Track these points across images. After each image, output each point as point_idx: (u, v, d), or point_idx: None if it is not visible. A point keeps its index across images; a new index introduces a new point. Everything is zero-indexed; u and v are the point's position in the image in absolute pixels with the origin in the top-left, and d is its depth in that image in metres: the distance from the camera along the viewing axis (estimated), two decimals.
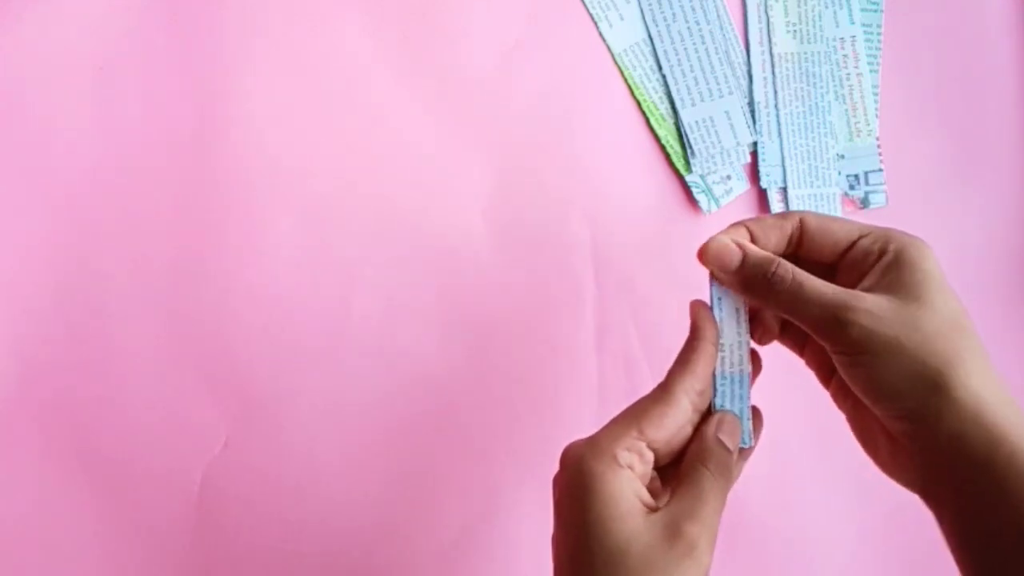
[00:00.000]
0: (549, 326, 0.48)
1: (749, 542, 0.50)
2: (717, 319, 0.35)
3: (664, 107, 0.51)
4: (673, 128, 0.51)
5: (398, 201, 0.47)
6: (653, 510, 0.31)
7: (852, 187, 0.52)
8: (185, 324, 0.44)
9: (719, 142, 0.50)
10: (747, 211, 0.52)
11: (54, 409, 0.43)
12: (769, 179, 0.51)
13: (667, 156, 0.51)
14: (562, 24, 0.50)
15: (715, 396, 0.34)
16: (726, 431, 0.33)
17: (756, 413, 0.36)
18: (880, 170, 0.52)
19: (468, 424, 0.47)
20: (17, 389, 0.42)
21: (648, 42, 0.51)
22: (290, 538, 0.45)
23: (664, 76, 0.50)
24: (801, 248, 0.35)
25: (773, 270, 0.33)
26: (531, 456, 0.46)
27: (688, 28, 0.51)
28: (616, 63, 0.50)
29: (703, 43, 0.51)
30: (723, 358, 0.35)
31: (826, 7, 0.52)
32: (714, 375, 0.34)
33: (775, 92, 0.51)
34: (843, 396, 0.35)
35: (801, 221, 0.35)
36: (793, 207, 0.51)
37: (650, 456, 0.32)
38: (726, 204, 0.51)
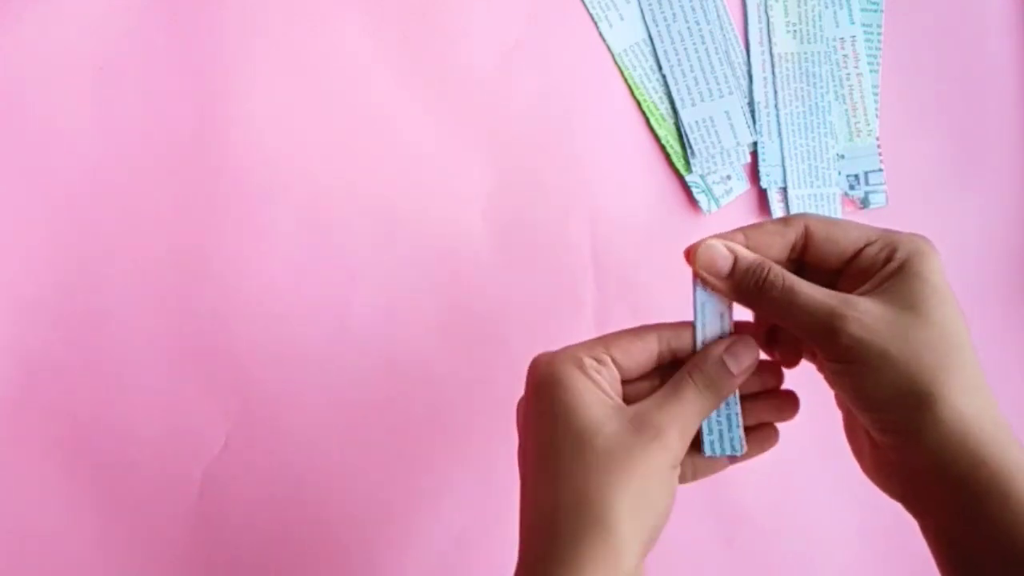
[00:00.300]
0: (549, 326, 0.48)
1: (749, 542, 0.50)
2: (699, 325, 0.34)
3: (664, 107, 0.51)
4: (673, 128, 0.51)
5: (398, 201, 0.47)
6: (621, 405, 0.32)
7: (852, 187, 0.52)
8: (185, 324, 0.44)
9: (719, 142, 0.50)
10: (747, 211, 0.52)
11: (54, 409, 0.43)
12: (769, 179, 0.51)
13: (667, 156, 0.51)
14: (562, 24, 0.50)
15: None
16: (734, 352, 0.33)
17: (772, 429, 0.36)
18: (880, 170, 0.52)
19: (468, 424, 0.47)
20: (17, 389, 0.42)
21: (648, 42, 0.51)
22: (290, 538, 0.45)
23: (664, 76, 0.50)
24: (806, 255, 0.34)
25: (764, 275, 0.32)
26: None
27: (688, 28, 0.51)
28: (616, 63, 0.50)
29: (703, 43, 0.51)
30: None
31: (826, 7, 0.52)
32: None
33: (775, 92, 0.51)
34: (840, 397, 0.35)
35: (806, 228, 0.34)
36: (793, 207, 0.51)
37: (615, 372, 0.33)
38: (726, 204, 0.51)
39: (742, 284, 0.33)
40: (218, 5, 0.45)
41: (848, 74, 0.52)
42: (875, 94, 0.53)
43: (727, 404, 0.34)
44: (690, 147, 0.50)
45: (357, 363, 0.46)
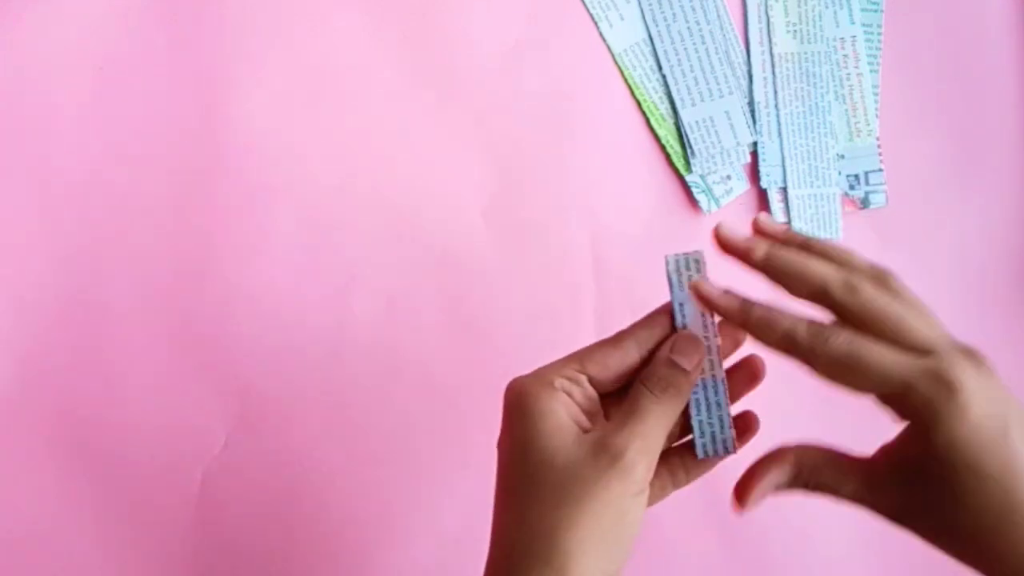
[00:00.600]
0: (549, 326, 0.48)
1: (749, 542, 0.50)
2: (679, 325, 0.33)
3: (664, 107, 0.51)
4: (673, 128, 0.51)
5: (398, 201, 0.47)
6: (587, 430, 0.31)
7: (852, 187, 0.52)
8: (185, 324, 0.44)
9: (719, 142, 0.50)
10: (747, 211, 0.52)
11: (54, 409, 0.43)
12: (769, 179, 0.51)
13: (667, 156, 0.51)
14: (562, 24, 0.50)
15: (690, 405, 0.33)
16: (680, 350, 0.32)
17: (751, 419, 0.35)
18: (880, 170, 0.52)
19: (468, 423, 0.47)
20: (17, 389, 0.42)
21: (648, 42, 0.51)
22: (290, 538, 0.45)
23: (664, 76, 0.50)
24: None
25: (800, 483, 0.32)
26: None
27: (688, 28, 0.51)
28: (616, 63, 0.50)
29: (703, 43, 0.51)
30: None
31: (826, 7, 0.52)
32: None
33: (775, 92, 0.51)
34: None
35: (813, 367, 0.31)
36: (793, 207, 0.51)
37: (591, 391, 0.32)
38: (726, 204, 0.51)
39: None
40: (218, 5, 0.45)
41: (848, 74, 0.52)
42: (875, 94, 0.53)
43: (717, 405, 0.33)
44: (690, 147, 0.50)
45: (357, 363, 0.46)
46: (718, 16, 0.51)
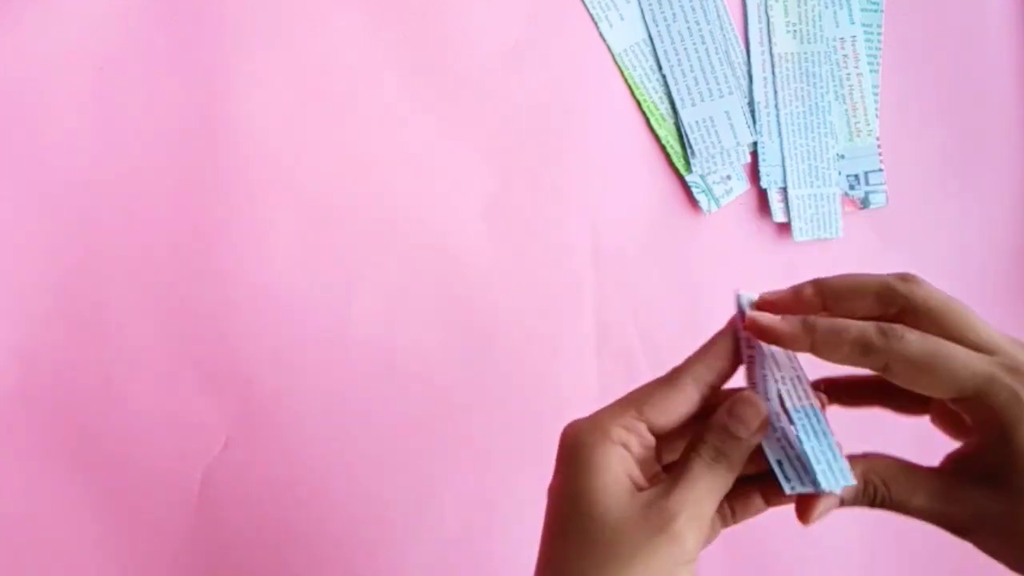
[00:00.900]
0: (549, 326, 0.48)
1: (749, 542, 0.50)
2: (766, 355, 0.31)
3: (664, 107, 0.51)
4: (673, 128, 0.51)
5: (398, 201, 0.47)
6: (642, 488, 0.30)
7: (852, 187, 0.52)
8: (185, 324, 0.44)
9: (719, 142, 0.50)
10: (747, 211, 0.52)
11: (54, 409, 0.43)
12: (769, 179, 0.51)
13: (667, 156, 0.51)
14: (562, 24, 0.50)
15: (797, 432, 0.30)
16: (737, 414, 0.30)
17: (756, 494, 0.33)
18: (880, 170, 0.52)
19: (468, 424, 0.47)
20: (17, 388, 0.42)
21: (648, 42, 0.51)
22: (290, 538, 0.45)
23: (664, 76, 0.50)
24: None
25: (869, 494, 0.30)
26: (531, 456, 0.46)
27: (688, 28, 0.51)
28: (616, 63, 0.50)
29: (703, 43, 0.51)
30: (788, 392, 0.31)
31: (826, 7, 0.52)
32: (786, 409, 0.31)
33: (775, 92, 0.51)
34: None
35: (887, 366, 0.29)
36: (793, 207, 0.51)
37: (650, 439, 0.31)
38: (726, 204, 0.51)
39: (851, 503, 0.31)
40: (218, 5, 0.45)
41: (848, 74, 0.52)
42: (875, 94, 0.53)
43: (823, 434, 0.30)
44: (690, 147, 0.50)
45: (357, 363, 0.46)
46: (718, 16, 0.51)
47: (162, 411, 0.44)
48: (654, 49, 0.51)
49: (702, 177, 0.51)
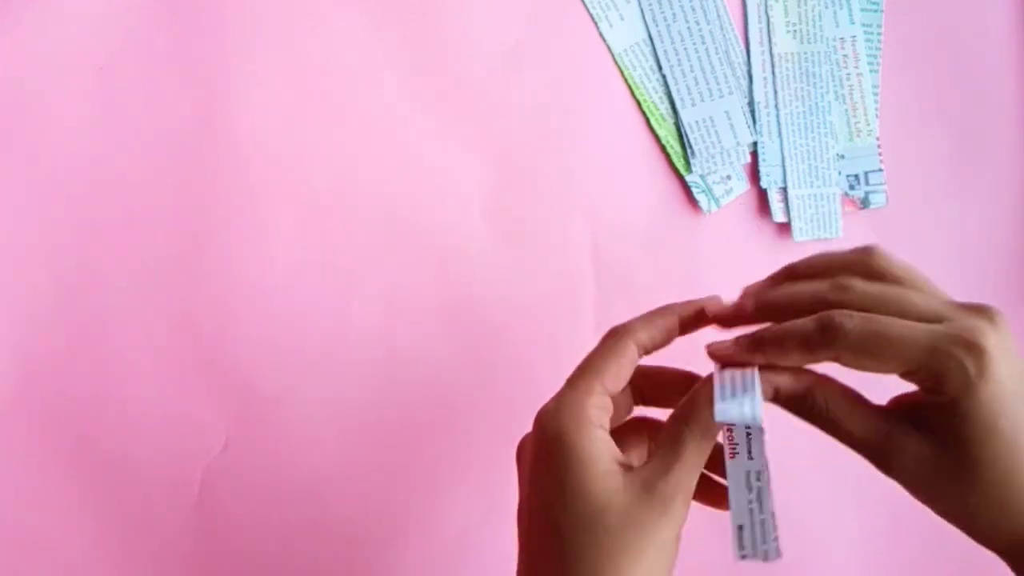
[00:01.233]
0: (549, 326, 0.48)
1: None
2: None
3: (664, 107, 0.51)
4: (673, 128, 0.51)
5: (398, 201, 0.47)
6: (627, 467, 0.31)
7: (852, 187, 0.52)
8: (185, 324, 0.44)
9: (719, 142, 0.50)
10: (747, 211, 0.52)
11: (54, 409, 0.43)
12: (769, 179, 0.51)
13: (667, 156, 0.51)
14: (562, 24, 0.50)
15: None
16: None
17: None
18: (880, 170, 0.52)
19: (468, 424, 0.47)
20: (17, 389, 0.42)
21: (648, 42, 0.51)
22: (290, 538, 0.45)
23: (664, 76, 0.50)
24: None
25: (808, 405, 0.31)
26: None
27: (688, 28, 0.51)
28: (616, 63, 0.50)
29: (703, 43, 0.51)
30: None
31: (826, 7, 0.52)
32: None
33: (775, 92, 0.51)
34: None
35: (837, 357, 0.30)
36: (793, 207, 0.51)
37: (612, 408, 0.32)
38: (726, 204, 0.51)
39: (787, 408, 0.32)
40: (218, 5, 0.45)
41: (848, 74, 0.52)
42: (875, 94, 0.53)
43: (761, 508, 0.31)
44: (690, 147, 0.50)
45: (357, 363, 0.46)
46: (718, 16, 0.51)
47: (162, 411, 0.44)
48: (654, 49, 0.51)
49: (702, 177, 0.51)
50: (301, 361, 0.45)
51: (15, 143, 0.43)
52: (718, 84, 0.51)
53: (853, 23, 0.52)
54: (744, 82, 0.51)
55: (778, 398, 0.32)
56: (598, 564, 0.29)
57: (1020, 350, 0.29)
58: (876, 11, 0.53)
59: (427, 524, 0.46)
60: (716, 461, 0.32)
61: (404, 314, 0.47)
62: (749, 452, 0.31)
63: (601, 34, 0.50)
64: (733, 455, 0.31)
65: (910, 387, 0.31)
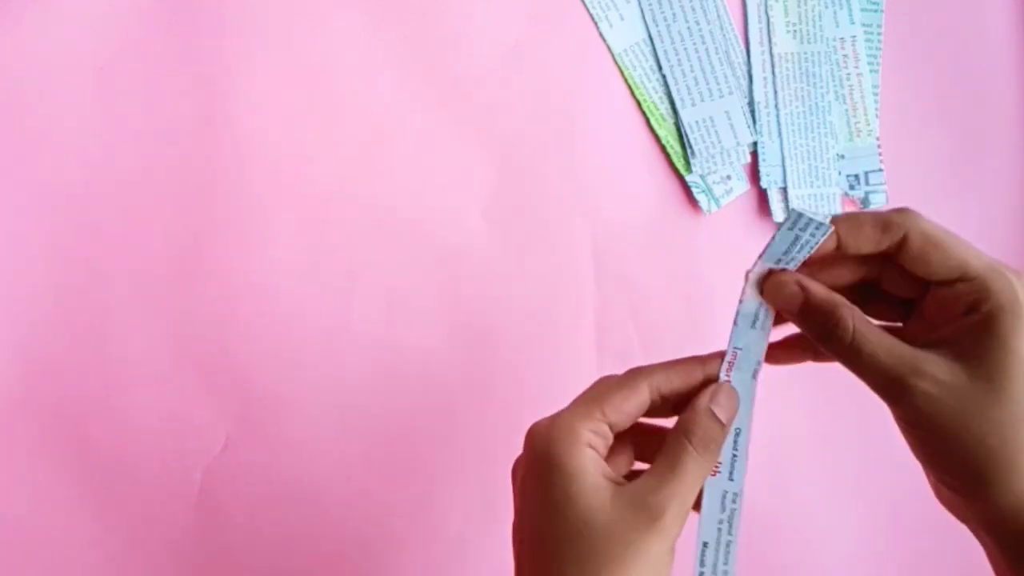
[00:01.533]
0: (549, 326, 0.48)
1: (749, 542, 0.50)
2: (738, 349, 0.32)
3: (664, 107, 0.51)
4: (673, 128, 0.51)
5: (398, 201, 0.47)
6: (618, 483, 0.31)
7: (852, 187, 0.52)
8: (185, 324, 0.44)
9: (719, 142, 0.50)
10: (747, 211, 0.52)
11: (54, 409, 0.43)
12: (769, 179, 0.51)
13: (667, 156, 0.51)
14: (562, 24, 0.50)
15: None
16: (720, 402, 0.32)
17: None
18: (880, 170, 0.52)
19: (468, 424, 0.47)
20: (17, 389, 0.42)
21: (648, 42, 0.51)
22: (290, 538, 0.45)
23: (664, 76, 0.51)
24: (889, 269, 0.32)
25: (832, 324, 0.31)
26: None
27: (688, 28, 0.51)
28: (616, 63, 0.50)
29: (703, 43, 0.51)
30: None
31: (826, 7, 0.52)
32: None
33: (775, 92, 0.51)
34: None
35: (906, 237, 0.31)
36: (793, 207, 0.51)
37: (611, 438, 0.32)
38: (726, 204, 0.51)
39: (811, 325, 0.31)
40: (218, 5, 0.45)
41: (848, 74, 0.52)
42: (875, 94, 0.53)
43: (730, 531, 0.32)
44: (690, 147, 0.50)
45: (357, 363, 0.46)
46: (718, 16, 0.51)
47: (162, 411, 0.44)
48: (654, 49, 0.51)
49: (702, 177, 0.51)
50: (301, 361, 0.45)
51: (15, 143, 0.43)
52: (718, 84, 0.51)
53: (853, 23, 0.52)
54: (744, 82, 0.51)
55: (807, 307, 0.31)
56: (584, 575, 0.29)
57: None
58: (876, 11, 0.53)
59: (427, 524, 0.46)
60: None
61: (404, 314, 0.47)
62: (731, 474, 0.32)
63: (601, 34, 0.50)
64: (715, 473, 0.32)
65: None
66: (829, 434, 0.49)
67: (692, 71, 0.51)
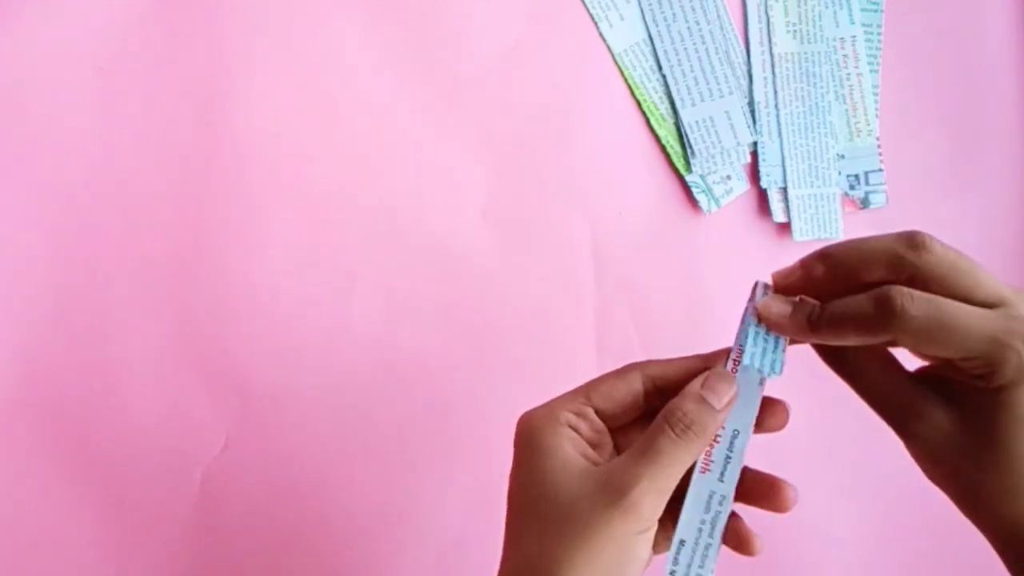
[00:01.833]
0: (549, 326, 0.48)
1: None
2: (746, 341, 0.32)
3: (664, 107, 0.51)
4: (673, 128, 0.51)
5: (398, 201, 0.47)
6: (595, 463, 0.31)
7: (852, 187, 0.52)
8: (185, 324, 0.44)
9: (719, 142, 0.50)
10: (747, 211, 0.52)
11: (54, 409, 0.43)
12: (769, 179, 0.51)
13: (667, 156, 0.51)
14: (562, 24, 0.50)
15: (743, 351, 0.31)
16: (713, 387, 0.31)
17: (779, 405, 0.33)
18: (880, 170, 0.52)
19: (468, 424, 0.47)
20: (17, 389, 0.42)
21: (648, 42, 0.51)
22: (290, 538, 0.45)
23: (664, 76, 0.50)
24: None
25: (839, 347, 0.31)
26: None
27: (688, 28, 0.51)
28: (616, 63, 0.50)
29: (703, 43, 0.51)
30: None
31: (826, 7, 0.52)
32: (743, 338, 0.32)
33: (775, 92, 0.51)
34: None
35: (895, 339, 0.30)
36: (793, 207, 0.51)
37: (600, 424, 0.32)
38: (726, 204, 0.51)
39: (819, 347, 0.32)
40: (218, 5, 0.45)
41: (848, 74, 0.52)
42: (875, 94, 0.53)
43: (711, 533, 0.31)
44: (690, 147, 0.50)
45: (357, 363, 0.46)
46: (718, 16, 0.51)
47: (162, 411, 0.44)
48: (654, 49, 0.51)
49: (702, 177, 0.51)
50: (301, 361, 0.45)
51: (15, 143, 0.43)
52: (718, 84, 0.51)
53: (853, 23, 0.52)
54: (744, 82, 0.51)
55: (815, 333, 0.31)
56: (544, 551, 0.29)
57: None
58: (876, 11, 0.53)
59: (427, 524, 0.46)
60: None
61: (404, 314, 0.47)
62: (722, 475, 0.31)
63: (601, 34, 0.50)
64: (705, 470, 0.31)
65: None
66: (829, 435, 0.49)
67: (692, 71, 0.51)
